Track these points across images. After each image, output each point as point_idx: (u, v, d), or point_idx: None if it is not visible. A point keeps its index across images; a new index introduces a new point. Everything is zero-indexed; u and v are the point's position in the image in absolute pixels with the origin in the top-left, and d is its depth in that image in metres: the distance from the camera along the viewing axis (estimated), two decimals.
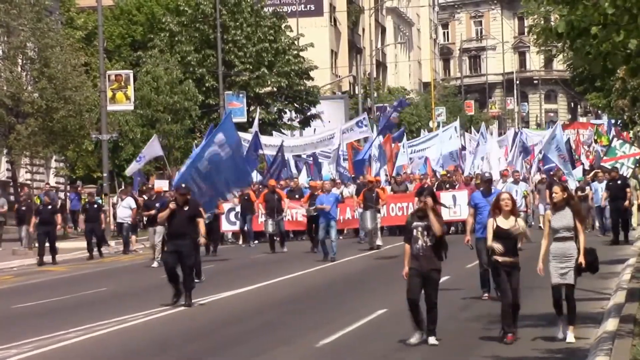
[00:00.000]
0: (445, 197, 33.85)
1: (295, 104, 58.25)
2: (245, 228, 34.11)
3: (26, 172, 45.63)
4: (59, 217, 30.94)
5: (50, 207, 30.64)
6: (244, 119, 50.29)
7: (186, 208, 18.35)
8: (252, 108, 54.55)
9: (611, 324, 13.14)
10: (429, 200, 13.16)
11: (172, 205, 18.46)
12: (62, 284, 23.99)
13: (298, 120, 58.86)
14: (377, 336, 12.61)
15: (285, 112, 58.24)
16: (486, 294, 17.04)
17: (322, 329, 14.76)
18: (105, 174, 38.88)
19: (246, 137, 40.92)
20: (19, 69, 39.42)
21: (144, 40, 55.01)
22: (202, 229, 18.59)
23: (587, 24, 10.23)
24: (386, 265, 24.01)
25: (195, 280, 21.18)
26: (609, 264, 22.08)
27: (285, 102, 57.56)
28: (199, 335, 15.02)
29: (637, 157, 30.30)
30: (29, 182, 44.24)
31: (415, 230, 13.10)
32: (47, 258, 29.89)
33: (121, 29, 56.62)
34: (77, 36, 45.00)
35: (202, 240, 18.76)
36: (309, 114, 59.17)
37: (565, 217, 13.10)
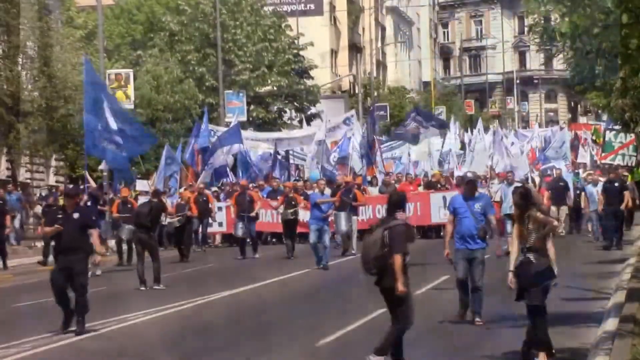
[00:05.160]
0: (435, 197, 33.60)
1: (295, 103, 58.26)
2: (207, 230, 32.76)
3: (26, 171, 45.59)
4: (7, 219, 28.83)
5: None
6: (244, 118, 50.27)
7: (76, 216, 15.09)
8: (252, 107, 54.56)
9: (611, 324, 13.12)
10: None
11: (60, 200, 15.64)
12: None
13: (298, 119, 58.86)
14: (376, 336, 12.54)
15: (285, 112, 58.24)
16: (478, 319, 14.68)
17: (322, 328, 14.74)
18: (105, 173, 38.76)
19: (218, 128, 40.86)
20: (19, 67, 39.37)
21: (144, 39, 54.97)
22: (96, 241, 15.30)
23: (590, 23, 10.24)
24: None
25: (155, 287, 21.03)
26: (609, 264, 22.08)
27: (285, 102, 57.55)
28: (198, 335, 15.01)
29: (635, 144, 29.35)
30: (29, 181, 44.20)
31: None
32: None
33: (121, 28, 56.54)
34: (77, 35, 44.94)
35: (97, 258, 15.87)
36: (309, 113, 59.17)
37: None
